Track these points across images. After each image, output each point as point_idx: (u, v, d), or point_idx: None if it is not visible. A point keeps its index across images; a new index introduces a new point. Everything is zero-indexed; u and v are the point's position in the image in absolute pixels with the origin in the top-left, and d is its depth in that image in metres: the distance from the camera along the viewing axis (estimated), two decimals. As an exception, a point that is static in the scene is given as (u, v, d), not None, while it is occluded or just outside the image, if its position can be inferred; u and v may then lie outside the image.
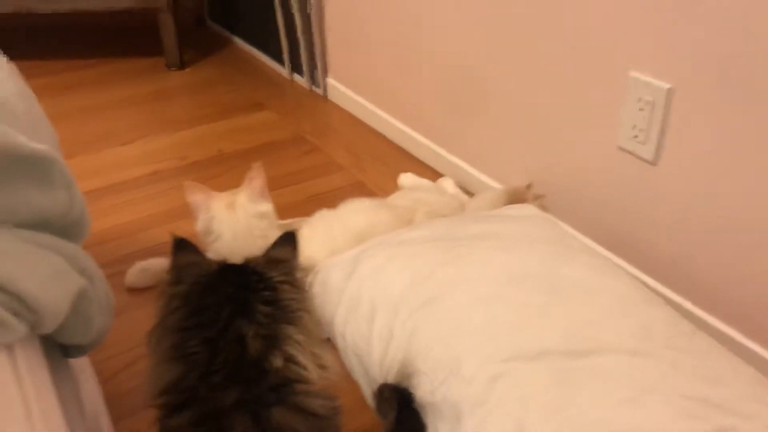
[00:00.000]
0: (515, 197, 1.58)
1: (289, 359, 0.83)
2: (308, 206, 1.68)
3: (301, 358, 0.84)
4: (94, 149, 2.14)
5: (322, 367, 0.87)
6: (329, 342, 1.30)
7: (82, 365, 1.13)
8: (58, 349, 0.93)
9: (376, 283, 1.26)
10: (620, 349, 1.03)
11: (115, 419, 1.22)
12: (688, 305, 1.34)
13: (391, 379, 1.15)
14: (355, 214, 1.54)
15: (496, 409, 0.98)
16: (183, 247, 0.91)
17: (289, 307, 0.86)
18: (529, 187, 1.62)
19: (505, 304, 1.13)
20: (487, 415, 0.98)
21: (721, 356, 1.05)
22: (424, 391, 1.07)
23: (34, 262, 0.71)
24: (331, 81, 2.42)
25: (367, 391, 1.23)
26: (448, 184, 1.86)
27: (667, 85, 1.25)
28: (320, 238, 1.47)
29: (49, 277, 0.72)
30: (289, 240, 0.94)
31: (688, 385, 0.97)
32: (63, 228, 0.81)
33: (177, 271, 0.89)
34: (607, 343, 1.03)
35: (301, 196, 1.90)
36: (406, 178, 1.90)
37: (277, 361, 0.82)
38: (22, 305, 0.66)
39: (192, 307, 0.85)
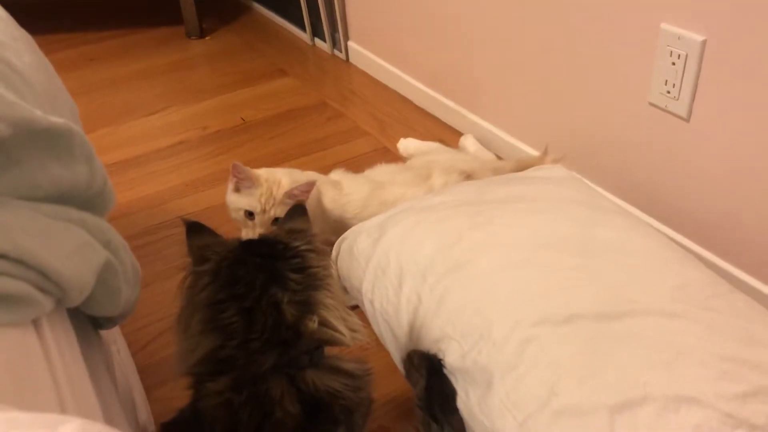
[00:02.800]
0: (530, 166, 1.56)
1: (323, 323, 0.86)
2: (334, 173, 1.67)
3: (334, 321, 0.87)
4: (118, 122, 2.15)
5: (352, 330, 0.89)
6: (357, 309, 1.30)
7: (113, 336, 1.14)
8: (88, 321, 0.94)
9: (403, 249, 1.24)
10: (655, 311, 1.00)
11: (148, 388, 1.24)
12: (723, 264, 1.32)
13: (420, 345, 1.14)
14: (378, 174, 1.59)
15: (528, 373, 0.97)
16: (196, 229, 0.93)
17: (317, 274, 0.88)
18: (545, 153, 1.59)
19: (536, 267, 1.11)
20: (519, 380, 0.97)
21: (760, 316, 1.03)
22: (454, 356, 1.06)
23: (57, 237, 0.70)
24: (352, 45, 2.38)
25: (397, 357, 1.23)
26: (469, 141, 1.84)
27: (700, 38, 1.21)
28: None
29: (73, 250, 0.72)
30: (300, 212, 0.98)
31: (726, 346, 0.95)
32: (86, 200, 0.81)
33: (198, 251, 0.90)
34: (641, 306, 1.01)
35: (326, 163, 1.89)
36: (408, 144, 1.88)
37: (312, 325, 0.84)
38: (46, 280, 0.66)
39: (223, 281, 0.86)
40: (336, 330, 0.87)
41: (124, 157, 1.96)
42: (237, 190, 1.43)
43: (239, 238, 0.94)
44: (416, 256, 1.21)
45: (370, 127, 2.05)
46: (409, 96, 2.15)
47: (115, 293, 0.84)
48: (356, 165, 1.68)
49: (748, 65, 1.15)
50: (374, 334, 1.27)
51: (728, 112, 1.22)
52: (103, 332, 1.04)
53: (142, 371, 1.27)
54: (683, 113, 1.29)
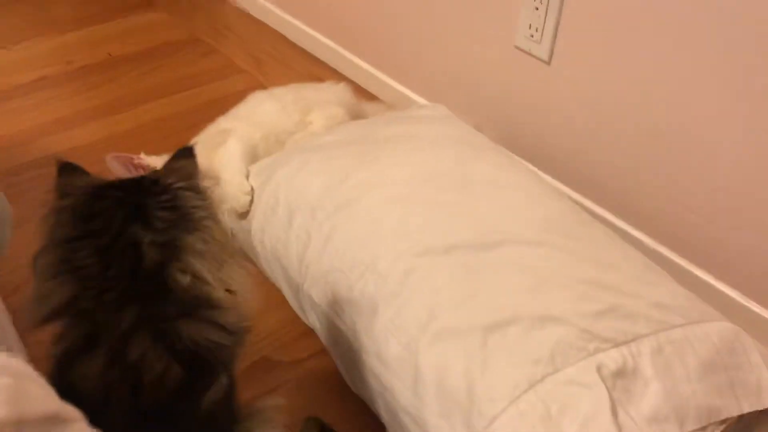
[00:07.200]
0: None
1: (194, 274, 0.77)
2: (207, 111, 1.64)
3: (205, 273, 0.77)
4: (-30, 54, 1.99)
5: (228, 289, 0.80)
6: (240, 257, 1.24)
7: (-17, 281, 1.10)
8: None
9: (292, 188, 1.27)
10: (524, 240, 1.09)
11: (22, 332, 1.20)
12: (578, 197, 1.41)
13: (309, 279, 1.17)
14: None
15: (410, 299, 1.04)
16: (69, 170, 0.83)
17: (192, 215, 0.79)
18: None
19: (418, 202, 1.17)
20: (402, 306, 1.04)
21: (615, 244, 1.14)
22: (341, 288, 1.12)
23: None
24: (225, -22, 2.31)
25: (288, 293, 1.27)
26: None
27: (562, -16, 1.28)
28: None
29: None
30: (187, 153, 0.87)
31: (585, 271, 1.05)
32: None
33: (63, 187, 0.81)
34: (512, 236, 1.10)
35: (199, 101, 1.86)
36: None
37: (183, 279, 0.76)
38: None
39: (81, 216, 0.77)
40: (207, 284, 0.77)
41: (-20, 93, 1.83)
42: None
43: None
44: (305, 194, 1.24)
45: (247, 64, 2.02)
46: (287, 34, 2.11)
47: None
48: (232, 103, 1.65)
49: (604, 12, 1.24)
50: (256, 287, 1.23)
51: (585, 55, 1.30)
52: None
53: (15, 315, 1.23)
54: (545, 56, 1.36)
